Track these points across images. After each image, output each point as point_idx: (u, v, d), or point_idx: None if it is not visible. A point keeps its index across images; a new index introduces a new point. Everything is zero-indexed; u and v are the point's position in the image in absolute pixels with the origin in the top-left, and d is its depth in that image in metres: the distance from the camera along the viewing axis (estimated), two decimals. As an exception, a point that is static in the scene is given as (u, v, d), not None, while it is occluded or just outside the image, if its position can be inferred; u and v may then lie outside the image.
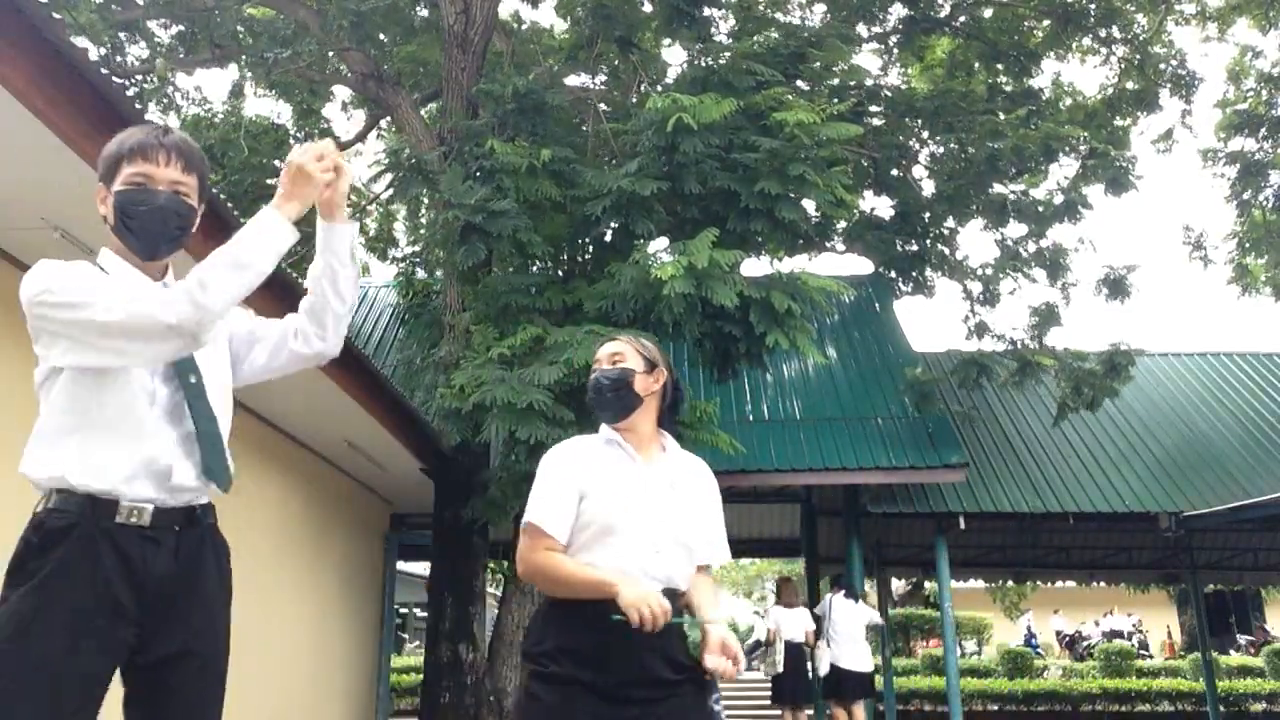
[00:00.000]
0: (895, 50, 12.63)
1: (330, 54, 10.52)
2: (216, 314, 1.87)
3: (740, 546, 15.08)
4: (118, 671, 1.90)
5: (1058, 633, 23.52)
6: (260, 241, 1.93)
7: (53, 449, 1.96)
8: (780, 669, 10.07)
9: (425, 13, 10.94)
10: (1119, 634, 22.01)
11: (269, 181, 11.91)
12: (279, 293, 5.00)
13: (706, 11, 9.30)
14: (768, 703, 11.39)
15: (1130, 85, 12.59)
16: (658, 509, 2.41)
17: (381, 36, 10.37)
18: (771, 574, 29.96)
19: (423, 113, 10.90)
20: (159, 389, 1.98)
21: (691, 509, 2.48)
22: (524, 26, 12.22)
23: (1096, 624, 23.06)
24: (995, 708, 16.55)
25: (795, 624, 10.17)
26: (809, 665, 10.23)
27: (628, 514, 2.37)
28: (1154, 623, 23.76)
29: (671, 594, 2.34)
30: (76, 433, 1.95)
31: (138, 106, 3.80)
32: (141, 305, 1.84)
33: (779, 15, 11.92)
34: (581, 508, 2.39)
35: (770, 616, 10.88)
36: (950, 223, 11.10)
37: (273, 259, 1.95)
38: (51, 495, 1.95)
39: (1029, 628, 22.94)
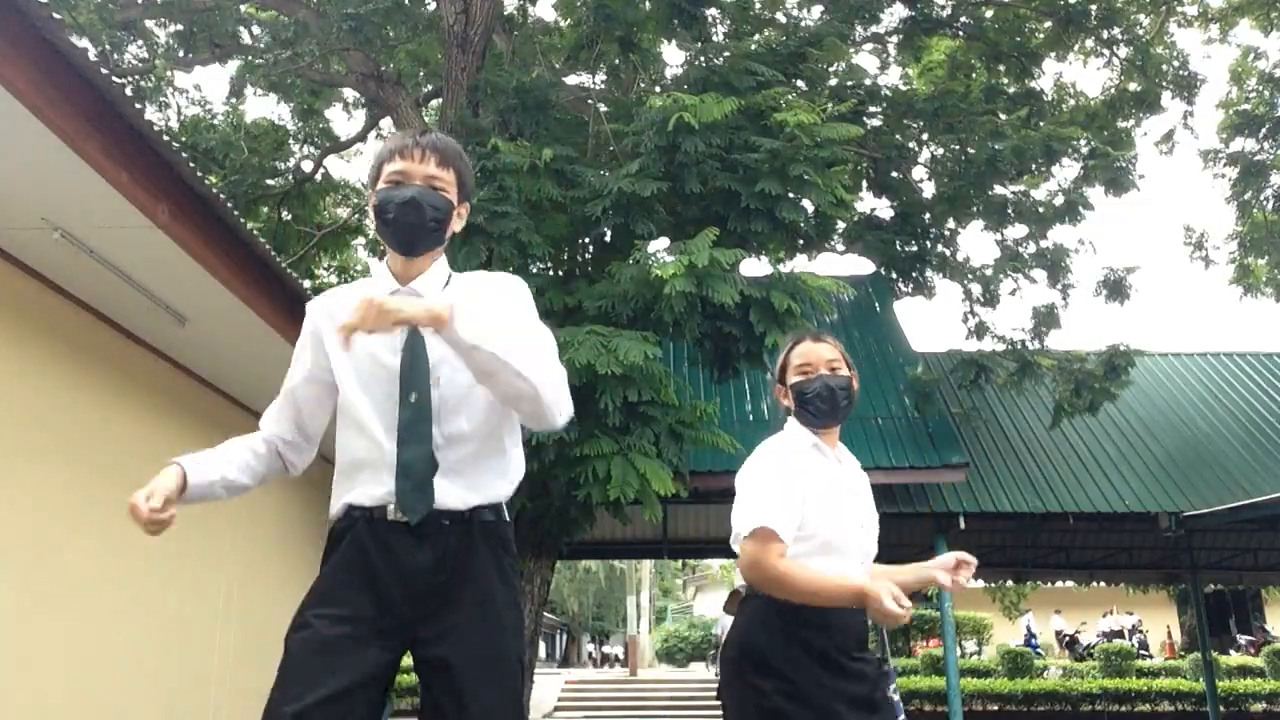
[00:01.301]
0: (895, 51, 12.62)
1: (330, 54, 10.51)
2: None
3: (740, 546, 15.04)
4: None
5: (1058, 633, 23.52)
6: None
7: None
8: None
9: (432, 6, 10.92)
10: (1118, 634, 22.01)
11: (269, 182, 11.91)
12: (261, 276, 5.00)
13: (706, 11, 9.30)
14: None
15: (1132, 86, 12.58)
16: (860, 519, 2.49)
17: (387, 31, 10.34)
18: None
19: (423, 112, 10.90)
20: (397, 411, 2.07)
21: (873, 513, 2.55)
22: (529, 21, 12.19)
23: (1098, 623, 23.09)
24: (995, 708, 16.56)
25: None
26: None
27: (844, 528, 2.42)
28: (1154, 623, 23.76)
29: None
30: None
31: (137, 106, 3.79)
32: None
33: (777, 15, 11.92)
34: (809, 518, 2.37)
35: (718, 624, 11.52)
36: (950, 223, 11.09)
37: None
38: None
39: (1029, 628, 22.94)
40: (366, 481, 1.99)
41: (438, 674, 1.94)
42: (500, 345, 1.84)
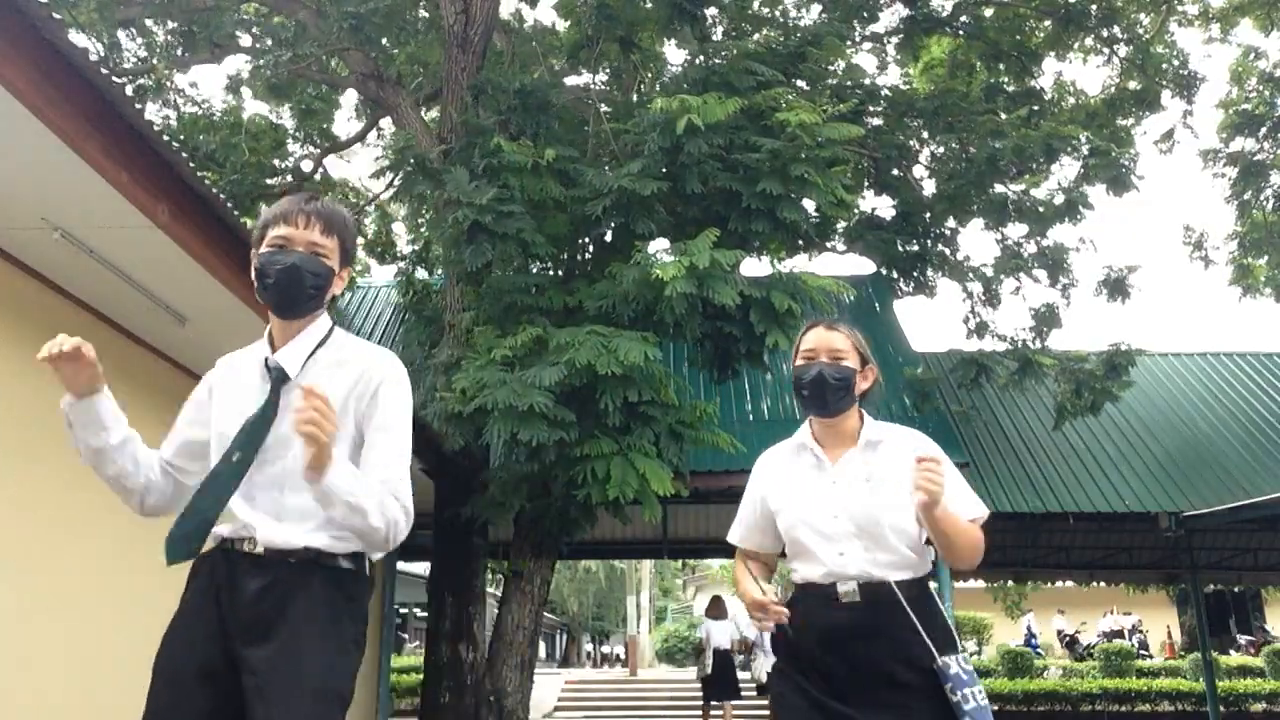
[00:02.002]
0: (894, 50, 12.62)
1: (330, 54, 10.51)
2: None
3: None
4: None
5: (1059, 632, 23.52)
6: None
7: None
8: (709, 672, 11.72)
9: (425, 15, 10.94)
10: (1117, 634, 22.01)
11: (269, 181, 11.90)
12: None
13: (706, 10, 9.29)
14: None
15: (1132, 85, 12.58)
16: (839, 511, 2.40)
17: (388, 32, 10.35)
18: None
19: (422, 112, 10.89)
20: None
21: (885, 500, 2.40)
22: (526, 25, 12.20)
23: (1098, 623, 23.08)
24: (995, 708, 16.38)
25: (722, 633, 11.84)
26: (735, 668, 12.07)
27: (808, 527, 2.43)
28: (1154, 623, 23.76)
29: (869, 586, 2.34)
30: None
31: (137, 106, 3.79)
32: None
33: (777, 14, 11.92)
34: (778, 526, 2.51)
35: (700, 628, 12.46)
36: (951, 223, 11.08)
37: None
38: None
39: (1029, 628, 22.94)
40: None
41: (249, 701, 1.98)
42: (349, 490, 1.93)
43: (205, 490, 2.04)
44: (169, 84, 11.81)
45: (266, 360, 2.11)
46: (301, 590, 1.99)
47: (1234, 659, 19.68)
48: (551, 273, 8.40)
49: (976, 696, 2.27)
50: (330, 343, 2.16)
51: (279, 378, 2.08)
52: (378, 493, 2.00)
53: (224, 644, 1.98)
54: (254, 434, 2.04)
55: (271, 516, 2.03)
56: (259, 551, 2.01)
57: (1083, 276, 18.49)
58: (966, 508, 2.45)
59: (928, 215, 10.91)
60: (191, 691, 1.96)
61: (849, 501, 2.41)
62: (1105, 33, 12.02)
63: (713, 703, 11.85)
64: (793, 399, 11.07)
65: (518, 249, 7.48)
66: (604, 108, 9.00)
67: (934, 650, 2.27)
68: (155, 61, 11.23)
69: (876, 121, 10.68)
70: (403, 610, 26.85)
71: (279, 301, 2.09)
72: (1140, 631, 22.69)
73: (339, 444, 2.01)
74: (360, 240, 14.35)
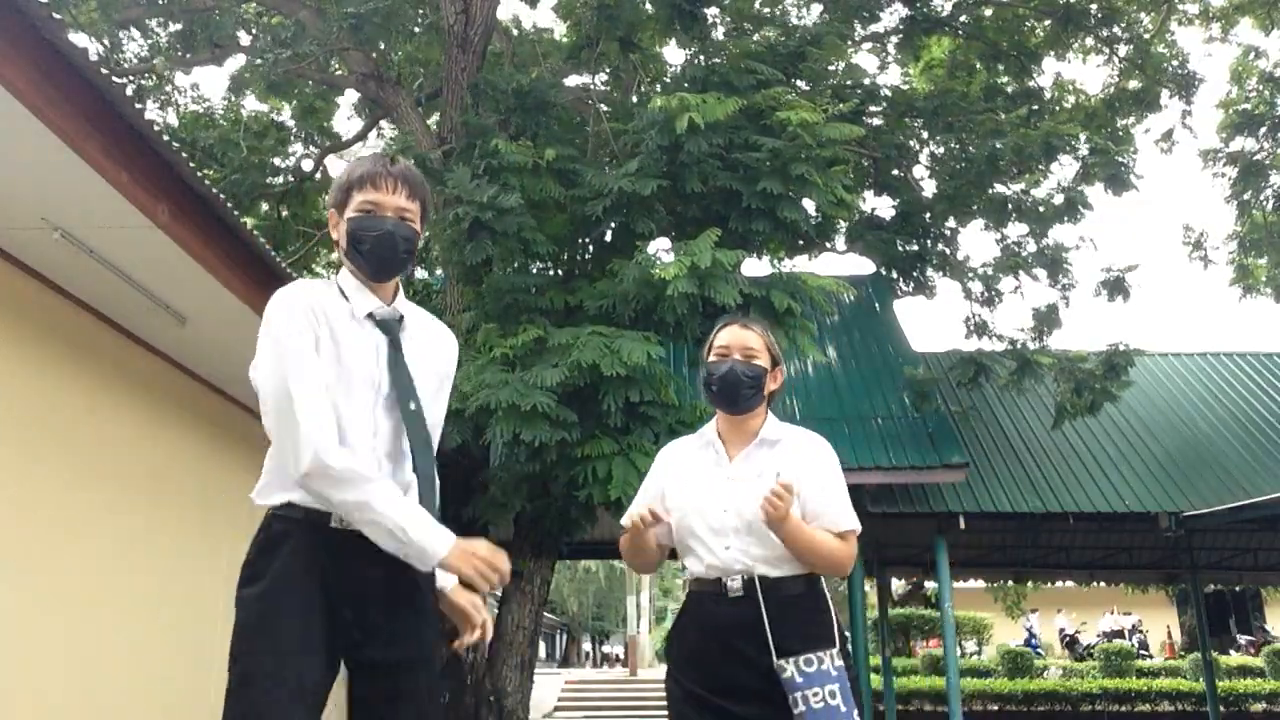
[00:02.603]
0: (895, 50, 12.62)
1: (330, 54, 10.51)
2: (319, 495, 1.93)
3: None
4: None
5: (1060, 631, 23.52)
6: (411, 535, 1.92)
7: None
8: None
9: (420, 14, 10.93)
10: (1117, 634, 22.01)
11: (269, 180, 11.90)
12: (261, 276, 4.99)
13: (706, 10, 9.29)
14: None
15: (1132, 85, 12.57)
16: (729, 505, 2.45)
17: (388, 32, 10.35)
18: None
19: (422, 112, 10.89)
20: (380, 421, 2.06)
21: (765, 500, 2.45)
22: (523, 32, 12.21)
23: (1097, 623, 23.08)
24: (995, 708, 16.56)
25: None
26: None
27: (699, 521, 2.47)
28: (1154, 623, 23.75)
29: (753, 581, 2.38)
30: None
31: (137, 106, 3.79)
32: (299, 432, 1.91)
33: (776, 14, 11.92)
34: (671, 519, 2.53)
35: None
36: (951, 223, 11.08)
37: (392, 547, 1.94)
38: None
39: (1029, 628, 22.93)
40: None
41: (380, 676, 2.01)
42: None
43: (416, 452, 2.05)
44: (169, 84, 11.81)
45: (373, 313, 2.11)
46: (413, 578, 2.02)
47: (1234, 659, 19.67)
48: (552, 272, 8.41)
49: (812, 700, 2.27)
50: (411, 306, 2.25)
51: (397, 328, 2.13)
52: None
53: (334, 622, 1.97)
54: (405, 392, 2.07)
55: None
56: (355, 529, 1.97)
57: (1083, 276, 18.48)
58: (836, 520, 2.48)
59: (928, 215, 10.92)
60: (302, 666, 1.91)
61: (739, 497, 2.45)
62: (1105, 32, 12.02)
63: None
64: (793, 400, 11.06)
65: (518, 247, 7.48)
66: (604, 108, 9.01)
67: (774, 652, 2.31)
68: (155, 61, 11.22)
69: (876, 121, 10.68)
70: (403, 610, 26.81)
71: (376, 267, 2.13)
72: (1140, 631, 22.69)
73: (438, 402, 2.21)
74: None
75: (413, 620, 2.03)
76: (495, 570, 1.96)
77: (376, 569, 1.96)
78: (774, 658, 2.30)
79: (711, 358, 2.59)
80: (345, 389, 2.02)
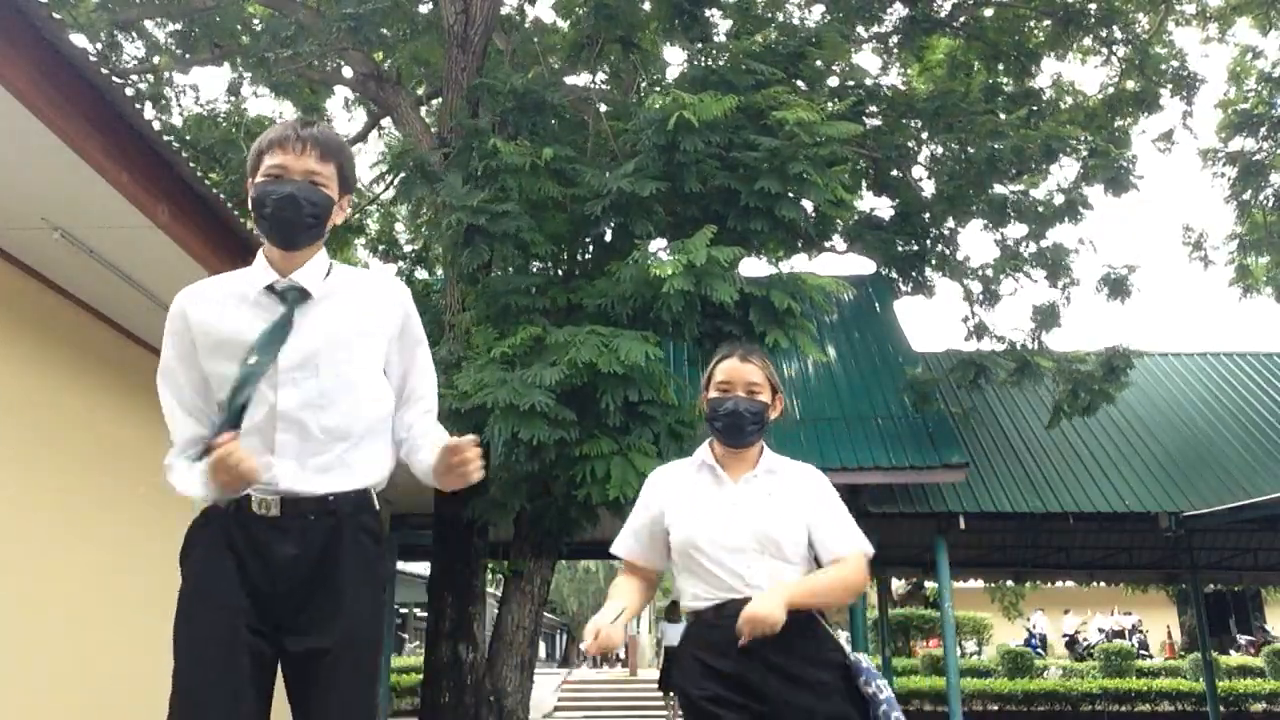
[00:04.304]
0: (895, 50, 12.61)
1: (330, 54, 10.51)
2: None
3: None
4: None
5: (1064, 634, 23.51)
6: (189, 491, 2.03)
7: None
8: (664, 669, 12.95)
9: (426, 9, 10.92)
10: (1118, 634, 22.00)
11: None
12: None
13: (707, 11, 9.28)
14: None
15: (1131, 85, 12.57)
16: (741, 529, 2.45)
17: (386, 32, 10.34)
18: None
19: (422, 112, 10.89)
20: (264, 392, 2.04)
21: (785, 516, 2.48)
22: (526, 24, 12.19)
23: (1094, 621, 23.07)
24: (995, 708, 16.57)
25: (676, 635, 12.38)
26: None
27: (708, 544, 2.45)
28: (1154, 623, 23.76)
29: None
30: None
31: (137, 107, 3.79)
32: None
33: (778, 15, 11.91)
34: (670, 539, 2.53)
35: (658, 628, 13.06)
36: (950, 223, 11.08)
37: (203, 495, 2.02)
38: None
39: (1029, 629, 22.92)
40: None
41: (308, 664, 1.99)
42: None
43: (232, 395, 2.01)
44: (169, 84, 11.81)
45: (273, 285, 2.06)
46: (336, 544, 2.00)
47: (1234, 659, 19.68)
48: (551, 272, 8.41)
49: (887, 688, 2.41)
50: (335, 270, 2.14)
51: (296, 298, 2.05)
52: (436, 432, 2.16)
53: (258, 609, 1.97)
54: (272, 341, 2.00)
55: (295, 461, 2.01)
56: (275, 514, 1.98)
57: (1082, 276, 18.45)
58: (852, 545, 2.51)
59: (927, 215, 10.92)
60: (230, 663, 1.92)
61: (751, 519, 2.46)
62: (1104, 33, 12.02)
63: (671, 695, 12.72)
64: (793, 400, 11.06)
65: (515, 249, 7.47)
66: (603, 107, 9.00)
67: (845, 648, 2.42)
68: (156, 60, 11.22)
69: (876, 122, 10.68)
70: (403, 610, 26.84)
71: (279, 232, 2.05)
72: (1140, 631, 22.69)
73: (365, 362, 2.08)
74: (361, 239, 14.34)
75: (331, 601, 1.97)
76: (229, 465, 1.90)
77: (289, 548, 1.97)
78: (849, 652, 2.42)
79: (713, 393, 2.59)
80: (227, 369, 2.02)
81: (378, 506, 2.14)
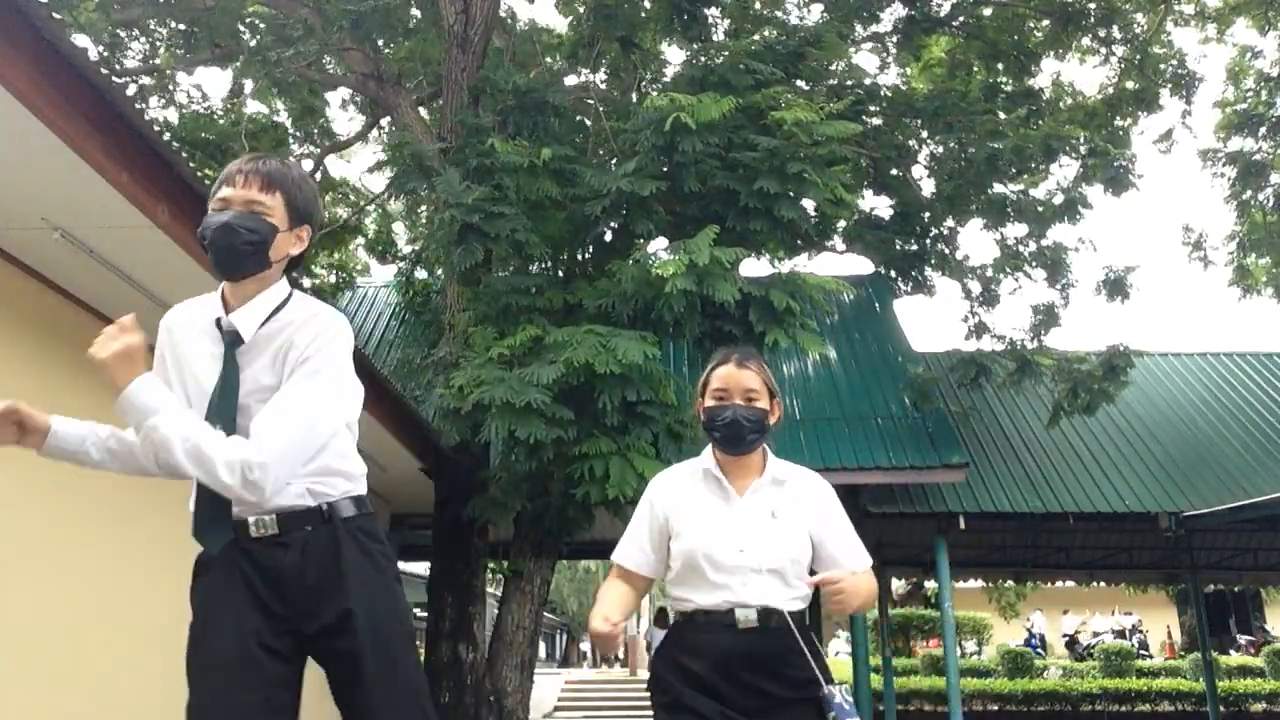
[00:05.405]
0: (894, 50, 12.62)
1: (330, 53, 10.51)
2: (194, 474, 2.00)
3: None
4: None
5: (1064, 634, 23.52)
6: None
7: None
8: None
9: (419, 13, 10.93)
10: (1119, 634, 22.00)
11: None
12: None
13: (706, 10, 9.28)
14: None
15: (1130, 85, 12.57)
16: (746, 545, 2.43)
17: (388, 31, 10.34)
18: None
19: (422, 112, 10.89)
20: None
21: (791, 542, 2.46)
22: (521, 26, 12.20)
23: (1093, 621, 23.07)
24: (995, 708, 16.57)
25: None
26: None
27: (713, 556, 2.43)
28: (1154, 623, 23.76)
29: (766, 613, 2.39)
30: None
31: (138, 107, 3.79)
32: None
33: (777, 14, 11.91)
34: (671, 546, 2.52)
35: (649, 632, 12.94)
36: (950, 222, 11.09)
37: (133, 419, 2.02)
38: None
39: (1030, 629, 22.92)
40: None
41: (341, 667, 2.02)
42: (167, 432, 1.91)
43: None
44: (171, 83, 11.81)
45: (219, 321, 2.09)
46: (339, 548, 2.03)
47: (1234, 659, 19.67)
48: (551, 273, 8.41)
49: None
50: (289, 306, 2.11)
51: (232, 341, 2.06)
52: (219, 442, 1.92)
53: (273, 627, 1.99)
54: (225, 405, 2.03)
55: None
56: (274, 531, 2.02)
57: (1082, 276, 18.43)
58: (858, 561, 2.52)
59: (927, 215, 10.92)
60: (240, 688, 1.94)
61: (757, 536, 2.45)
62: (1103, 33, 12.02)
63: None
64: (793, 400, 11.05)
65: (511, 249, 7.47)
66: (603, 106, 9.00)
67: (822, 679, 2.35)
68: (157, 60, 11.22)
69: (876, 121, 10.68)
70: (403, 610, 26.81)
71: (217, 261, 2.06)
72: (1140, 631, 22.69)
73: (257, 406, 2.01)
74: (360, 239, 14.34)
75: (345, 603, 1.99)
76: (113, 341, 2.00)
77: (293, 557, 2.01)
78: (824, 684, 2.35)
79: (710, 401, 2.55)
80: (192, 400, 2.08)
81: (371, 509, 2.15)
